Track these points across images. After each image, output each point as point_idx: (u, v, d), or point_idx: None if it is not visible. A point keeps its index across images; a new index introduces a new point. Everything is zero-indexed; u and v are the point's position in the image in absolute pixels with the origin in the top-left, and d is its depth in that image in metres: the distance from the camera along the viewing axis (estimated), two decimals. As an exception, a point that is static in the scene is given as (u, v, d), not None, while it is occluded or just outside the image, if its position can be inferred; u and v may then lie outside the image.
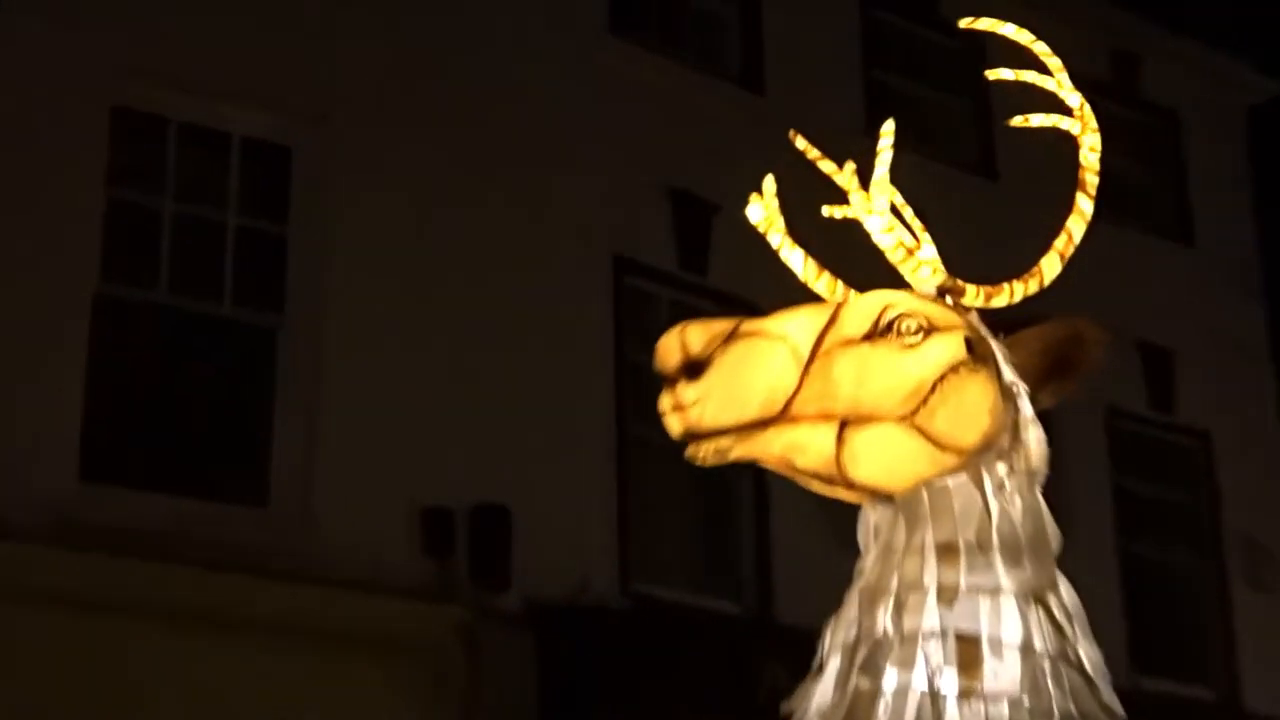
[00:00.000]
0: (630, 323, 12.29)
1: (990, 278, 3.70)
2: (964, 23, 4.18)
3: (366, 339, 10.99)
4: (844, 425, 3.52)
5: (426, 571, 10.65)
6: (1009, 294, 3.70)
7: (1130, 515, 14.89)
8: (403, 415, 10.86)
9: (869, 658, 3.45)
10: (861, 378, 3.53)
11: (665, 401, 3.42)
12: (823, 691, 3.47)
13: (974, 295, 3.66)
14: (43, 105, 10.41)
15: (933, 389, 3.50)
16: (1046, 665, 3.52)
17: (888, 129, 3.86)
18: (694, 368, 3.41)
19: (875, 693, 3.42)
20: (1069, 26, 15.72)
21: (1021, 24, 3.94)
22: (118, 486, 10.32)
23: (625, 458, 11.97)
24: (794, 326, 3.56)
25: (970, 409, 3.54)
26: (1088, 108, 3.83)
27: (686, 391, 3.40)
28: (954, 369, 3.50)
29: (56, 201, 10.35)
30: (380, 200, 11.29)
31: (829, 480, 3.59)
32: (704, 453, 3.48)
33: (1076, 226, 3.77)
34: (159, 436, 10.68)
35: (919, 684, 3.42)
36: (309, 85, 11.35)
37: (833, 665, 3.51)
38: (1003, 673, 3.45)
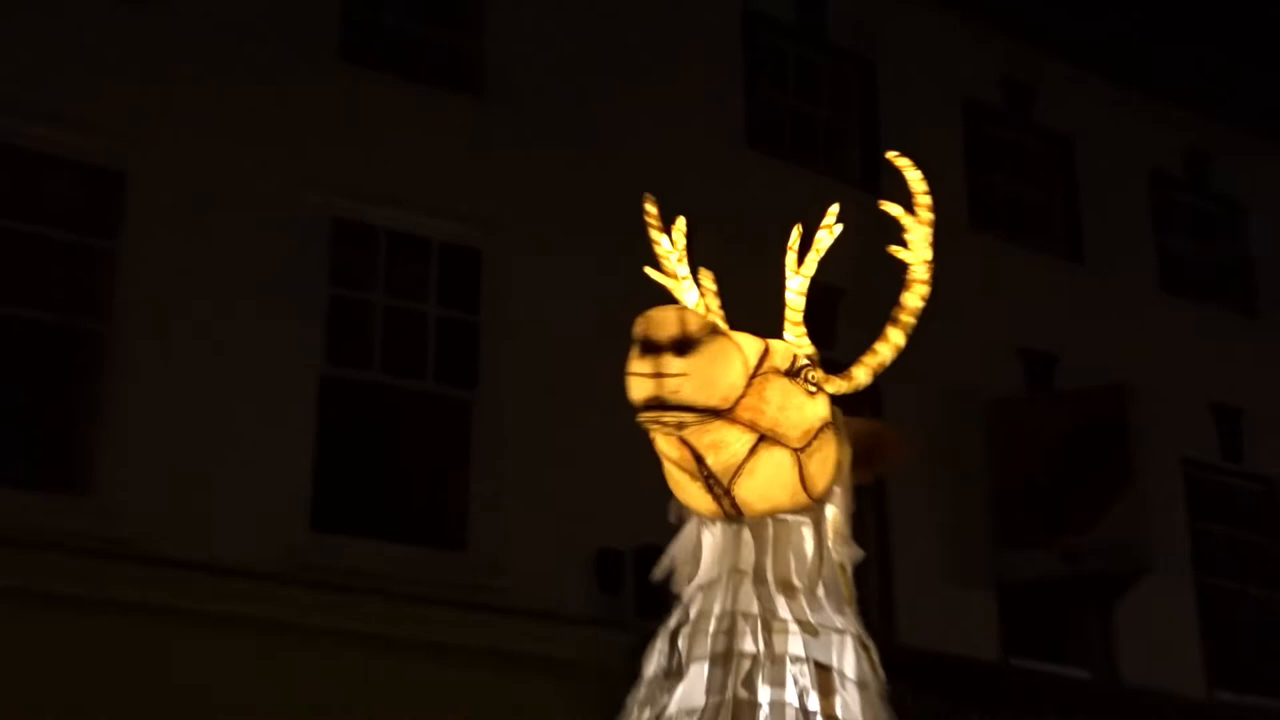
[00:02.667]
0: None
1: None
2: (891, 155, 3.89)
3: (546, 408, 10.95)
4: (761, 439, 3.38)
5: (599, 604, 10.63)
6: (836, 385, 3.60)
7: (1207, 553, 14.44)
8: (579, 472, 10.80)
9: (748, 674, 3.34)
10: (784, 404, 3.42)
11: (645, 365, 3.18)
12: (689, 694, 3.37)
13: (822, 375, 3.57)
14: (276, 217, 10.51)
15: (816, 434, 3.44)
16: (879, 703, 3.48)
17: (833, 211, 3.72)
18: (683, 345, 3.20)
19: (754, 704, 3.32)
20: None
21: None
22: (342, 535, 10.35)
23: None
24: (745, 343, 3.40)
25: (830, 461, 3.49)
26: (928, 267, 3.73)
27: (673, 364, 3.18)
28: (827, 424, 3.46)
29: (289, 298, 10.45)
30: (556, 289, 11.27)
31: (707, 483, 3.42)
32: (667, 421, 3.26)
33: (886, 351, 3.73)
34: (376, 493, 10.69)
35: (791, 700, 3.34)
36: (494, 197, 11.32)
37: (701, 671, 3.39)
38: (850, 703, 3.40)
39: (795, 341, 3.57)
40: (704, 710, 3.30)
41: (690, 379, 3.19)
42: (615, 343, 11.11)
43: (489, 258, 11.32)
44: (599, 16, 12.21)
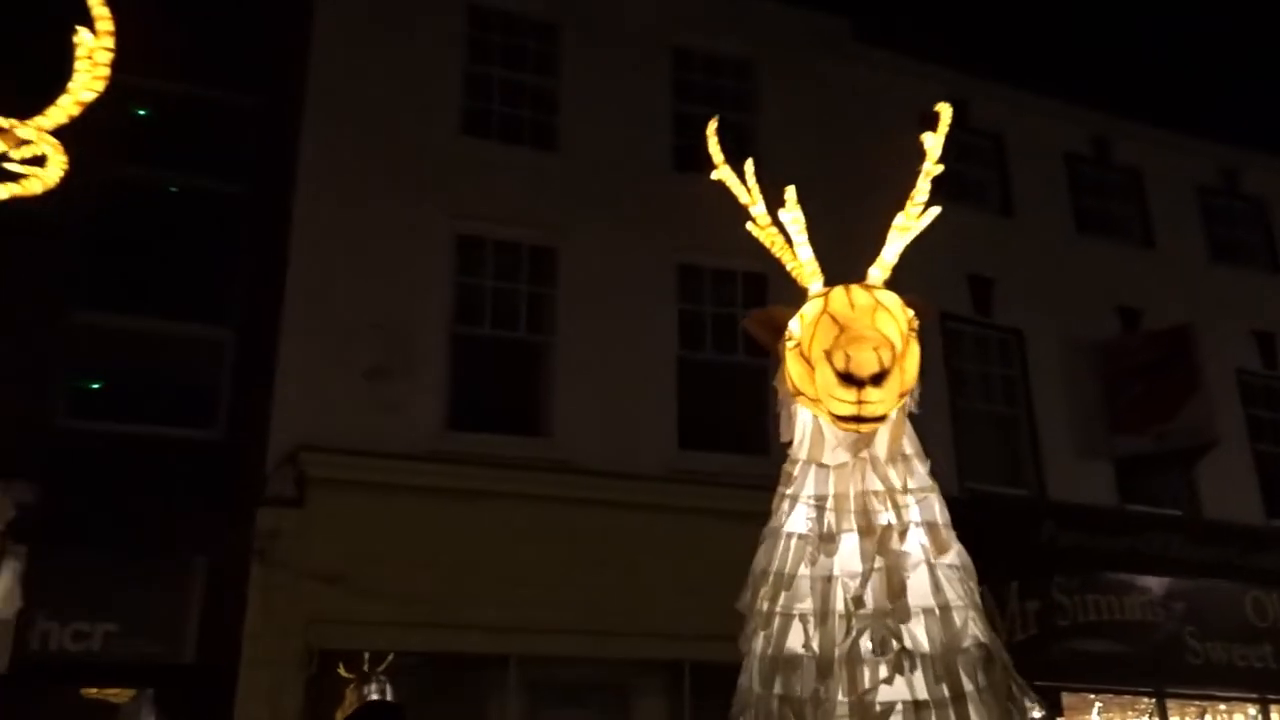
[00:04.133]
0: (949, 345, 11.58)
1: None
2: (940, 107, 3.20)
3: None
4: (902, 396, 2.98)
5: None
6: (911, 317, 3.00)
7: (1256, 430, 13.21)
8: None
9: (890, 542, 2.87)
10: (914, 362, 3.00)
11: (849, 394, 2.70)
12: (846, 560, 2.86)
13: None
14: (638, 269, 10.34)
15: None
16: (956, 537, 3.04)
17: (791, 195, 3.09)
18: (878, 378, 2.74)
19: (899, 566, 2.87)
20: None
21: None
22: (704, 451, 10.00)
23: (957, 417, 11.30)
24: (900, 312, 2.95)
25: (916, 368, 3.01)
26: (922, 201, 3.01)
27: (871, 394, 2.72)
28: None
29: (656, 316, 10.36)
30: None
31: (857, 425, 2.88)
32: (864, 430, 2.82)
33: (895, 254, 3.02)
34: (716, 424, 10.22)
35: (919, 556, 2.91)
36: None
37: (852, 541, 2.87)
38: (954, 546, 2.98)
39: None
40: (863, 574, 2.86)
41: (883, 401, 2.78)
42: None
43: (773, 281, 10.70)
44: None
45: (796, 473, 3.11)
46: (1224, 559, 11.98)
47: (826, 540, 2.96)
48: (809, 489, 3.05)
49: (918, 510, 2.98)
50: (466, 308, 9.82)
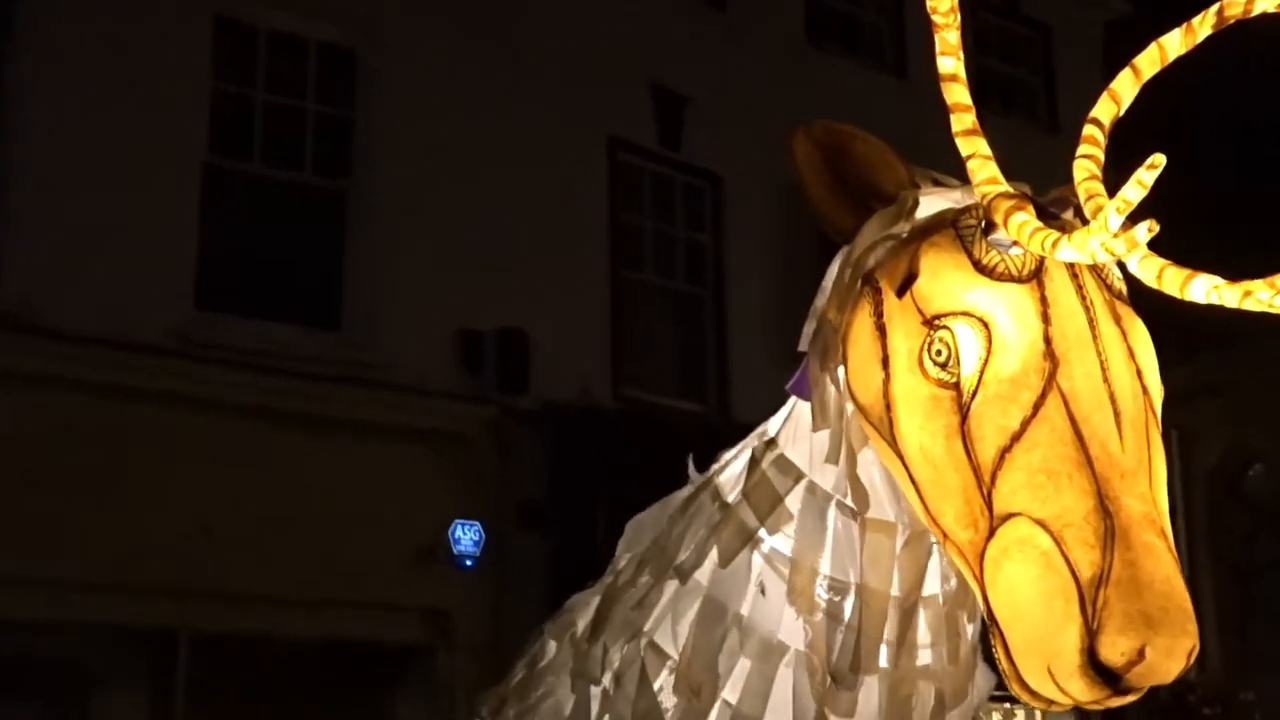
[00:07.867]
0: (620, 189, 12.23)
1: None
2: None
3: (415, 201, 10.80)
4: None
5: (464, 381, 10.62)
6: None
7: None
8: (445, 260, 10.75)
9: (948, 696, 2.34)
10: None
11: (1093, 693, 1.88)
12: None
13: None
14: (163, 15, 10.17)
15: None
16: None
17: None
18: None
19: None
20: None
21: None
22: (226, 314, 10.13)
23: (617, 293, 11.98)
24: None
25: None
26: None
27: (1130, 699, 1.94)
28: None
29: (175, 92, 10.12)
30: (425, 88, 11.02)
31: None
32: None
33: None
34: (257, 276, 10.41)
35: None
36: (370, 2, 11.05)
37: (873, 690, 2.25)
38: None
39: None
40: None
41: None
42: (485, 142, 10.99)
43: (363, 57, 11.06)
44: None
45: (798, 506, 2.25)
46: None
47: (842, 678, 2.15)
48: (824, 561, 2.20)
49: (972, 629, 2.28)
50: None
